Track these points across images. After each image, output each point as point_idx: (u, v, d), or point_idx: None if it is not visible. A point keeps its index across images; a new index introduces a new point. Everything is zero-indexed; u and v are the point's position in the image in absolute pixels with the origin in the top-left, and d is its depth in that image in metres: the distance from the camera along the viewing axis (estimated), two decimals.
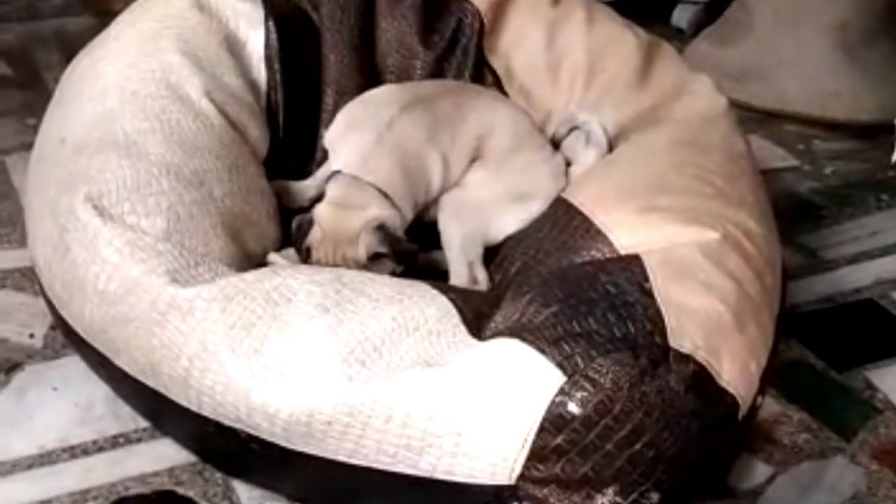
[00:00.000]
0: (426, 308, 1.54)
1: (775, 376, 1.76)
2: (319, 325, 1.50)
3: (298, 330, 1.51)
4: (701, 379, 1.43)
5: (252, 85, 2.05)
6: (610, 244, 1.64)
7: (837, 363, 1.96)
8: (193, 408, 1.55)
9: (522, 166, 1.97)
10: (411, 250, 1.80)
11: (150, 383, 1.59)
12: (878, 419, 1.84)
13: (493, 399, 1.41)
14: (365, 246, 1.76)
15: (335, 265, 1.74)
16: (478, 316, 1.55)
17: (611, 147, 2.00)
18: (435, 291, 1.60)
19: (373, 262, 1.76)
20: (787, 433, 1.79)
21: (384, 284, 1.61)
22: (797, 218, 2.43)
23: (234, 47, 2.05)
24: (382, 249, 1.77)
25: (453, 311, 1.54)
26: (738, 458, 1.67)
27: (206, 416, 1.54)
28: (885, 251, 2.34)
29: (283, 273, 1.62)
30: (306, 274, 1.61)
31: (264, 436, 1.50)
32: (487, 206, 1.91)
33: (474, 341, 1.49)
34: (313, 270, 1.66)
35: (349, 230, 1.78)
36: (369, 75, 2.16)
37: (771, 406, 1.82)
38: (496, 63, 2.19)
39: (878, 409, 1.87)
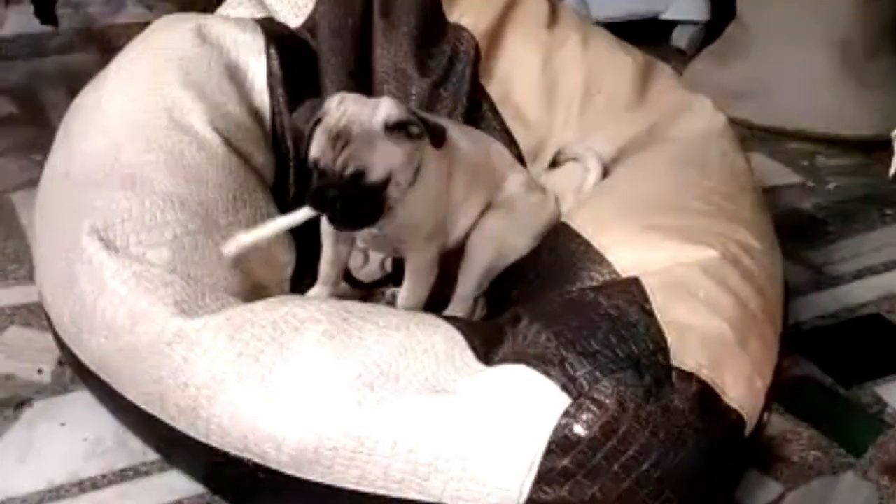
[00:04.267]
0: (433, 334, 1.55)
1: (783, 394, 1.76)
2: (326, 352, 1.51)
3: (305, 357, 1.51)
4: (705, 397, 1.42)
5: (255, 113, 2.07)
6: (609, 265, 1.65)
7: (845, 379, 1.96)
8: (201, 438, 1.55)
9: (537, 203, 1.98)
10: (440, 128, 1.70)
11: (159, 414, 1.60)
12: (889, 434, 1.84)
13: (500, 423, 1.41)
14: (384, 112, 1.65)
15: (345, 137, 1.63)
16: (485, 343, 1.55)
17: (606, 172, 2.00)
18: (440, 320, 1.62)
19: (390, 139, 1.65)
20: (796, 451, 1.79)
21: (390, 313, 1.62)
22: (802, 234, 2.43)
23: (235, 76, 2.07)
24: (407, 117, 1.66)
25: (459, 337, 1.55)
26: (747, 476, 1.66)
27: (214, 446, 1.54)
28: (890, 266, 2.33)
29: (290, 303, 1.62)
30: (314, 304, 1.63)
31: (272, 464, 1.50)
32: (513, 240, 1.90)
33: (481, 366, 1.49)
34: (320, 300, 1.67)
35: (368, 106, 1.68)
36: None
37: (780, 423, 1.82)
38: (492, 88, 2.20)
39: (888, 424, 1.86)
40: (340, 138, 1.63)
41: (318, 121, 1.66)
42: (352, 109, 1.66)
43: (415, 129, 1.66)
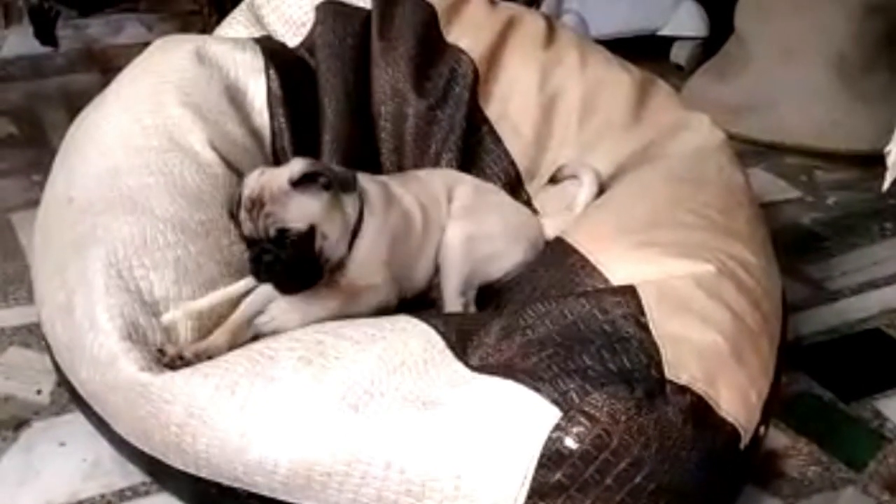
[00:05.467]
0: (409, 340, 1.55)
1: (783, 409, 1.76)
2: (304, 377, 1.51)
3: (284, 384, 1.52)
4: (699, 409, 1.42)
5: (255, 132, 2.08)
6: (605, 280, 1.64)
7: (845, 394, 1.95)
8: (191, 471, 1.55)
9: (508, 208, 2.00)
10: (347, 176, 1.76)
11: (146, 449, 1.61)
12: (889, 449, 1.83)
13: (491, 439, 1.40)
14: (290, 169, 1.71)
15: (259, 202, 1.68)
16: (462, 337, 1.55)
17: (602, 189, 2.01)
18: (415, 320, 1.62)
19: (302, 193, 1.69)
20: (796, 466, 1.78)
21: (363, 324, 1.62)
22: (801, 249, 2.43)
23: (235, 97, 2.08)
24: (312, 169, 1.71)
25: (437, 338, 1.55)
26: (746, 491, 1.65)
27: (205, 478, 1.54)
28: (889, 280, 2.33)
29: (265, 339, 1.64)
30: (287, 335, 1.64)
31: (264, 492, 1.50)
32: (487, 245, 1.91)
33: (464, 369, 1.49)
34: (294, 332, 1.67)
35: (282, 169, 1.75)
36: (363, 122, 2.18)
37: (779, 439, 1.81)
38: (490, 110, 2.20)
39: (888, 439, 1.85)
40: (256, 205, 1.69)
41: (241, 197, 1.71)
42: (266, 178, 1.72)
43: (322, 179, 1.71)
